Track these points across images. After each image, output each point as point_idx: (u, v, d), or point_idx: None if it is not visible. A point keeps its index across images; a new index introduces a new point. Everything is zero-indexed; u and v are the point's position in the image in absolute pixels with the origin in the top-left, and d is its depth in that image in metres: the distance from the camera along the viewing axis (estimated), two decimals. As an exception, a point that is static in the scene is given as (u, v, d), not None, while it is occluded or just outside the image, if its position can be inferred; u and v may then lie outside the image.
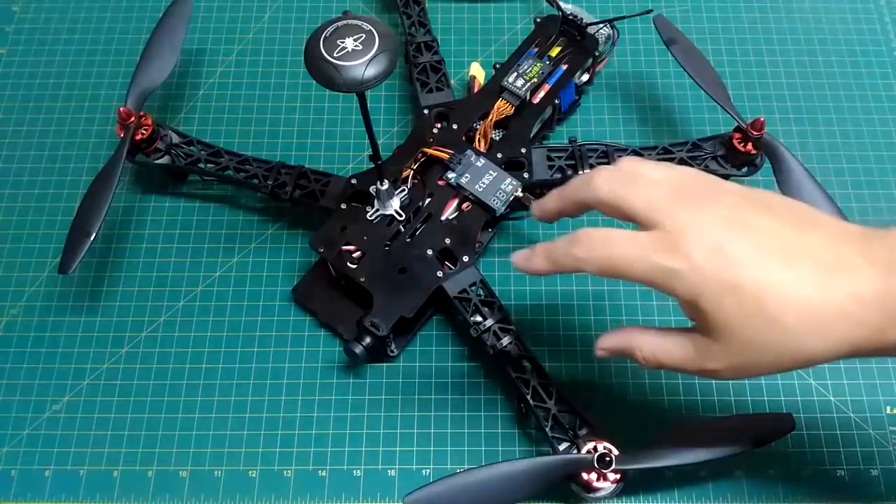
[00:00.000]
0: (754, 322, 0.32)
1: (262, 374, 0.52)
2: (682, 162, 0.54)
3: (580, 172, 0.53)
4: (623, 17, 0.59)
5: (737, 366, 0.34)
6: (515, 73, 0.55)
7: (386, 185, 0.50)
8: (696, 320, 0.35)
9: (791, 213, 0.35)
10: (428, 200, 0.52)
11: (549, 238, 0.56)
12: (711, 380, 0.41)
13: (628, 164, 0.38)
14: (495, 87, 0.56)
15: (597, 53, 0.58)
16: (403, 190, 0.52)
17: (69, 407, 0.51)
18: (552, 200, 0.40)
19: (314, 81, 0.38)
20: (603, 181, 0.37)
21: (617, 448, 0.45)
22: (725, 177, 0.55)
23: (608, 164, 0.53)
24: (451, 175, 0.52)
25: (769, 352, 0.33)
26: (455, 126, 0.55)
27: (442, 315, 0.54)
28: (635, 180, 0.36)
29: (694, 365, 0.35)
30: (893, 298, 0.31)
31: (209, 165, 0.55)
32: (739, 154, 0.53)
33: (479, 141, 0.54)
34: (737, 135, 0.53)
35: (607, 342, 0.39)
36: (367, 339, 0.48)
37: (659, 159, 0.54)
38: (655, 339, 0.37)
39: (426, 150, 0.53)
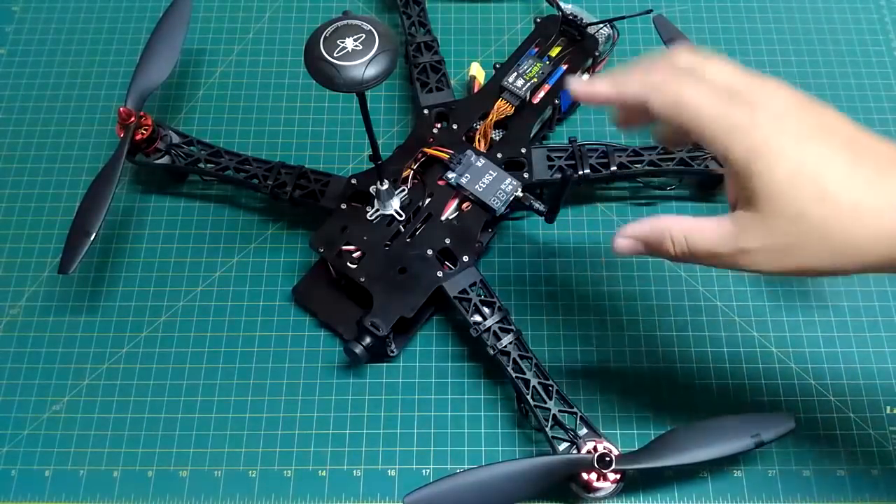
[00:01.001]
0: (807, 193, 0.32)
1: (262, 374, 0.52)
2: (681, 162, 0.54)
3: (580, 172, 0.53)
4: (623, 17, 0.59)
5: (778, 247, 0.32)
6: (515, 73, 0.55)
7: (386, 185, 0.50)
8: (744, 188, 0.33)
9: (856, 124, 0.34)
10: (428, 200, 0.52)
11: (549, 240, 0.56)
12: (746, 271, 0.37)
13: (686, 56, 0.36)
14: (495, 87, 0.56)
15: (597, 53, 0.58)
16: (403, 190, 0.52)
17: (69, 407, 0.51)
18: (603, 85, 0.37)
19: (314, 81, 0.38)
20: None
21: (617, 448, 0.46)
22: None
23: (608, 164, 0.54)
24: (451, 175, 0.52)
25: (815, 232, 0.32)
26: (455, 126, 0.55)
27: (442, 315, 0.54)
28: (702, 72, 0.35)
29: (729, 246, 0.33)
30: None
31: (209, 165, 0.55)
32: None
33: (479, 141, 0.54)
34: (737, 135, 0.53)
35: (633, 230, 0.37)
36: (367, 339, 0.48)
37: (659, 160, 0.54)
38: (689, 221, 0.35)
39: (426, 150, 0.53)
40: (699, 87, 0.34)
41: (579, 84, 0.38)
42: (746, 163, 0.32)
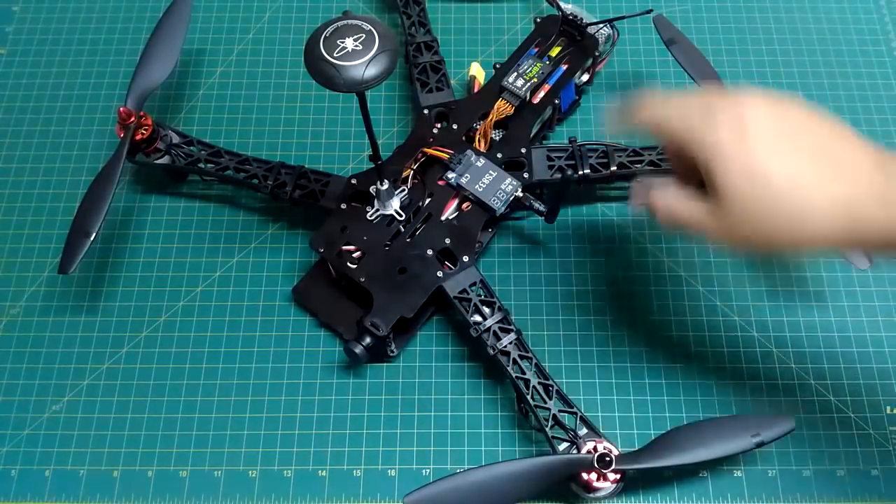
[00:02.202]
0: (755, 191, 0.37)
1: (262, 374, 0.52)
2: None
3: (580, 172, 0.53)
4: (623, 17, 0.59)
5: (733, 227, 0.39)
6: (515, 73, 0.55)
7: (386, 185, 0.50)
8: (709, 181, 0.39)
9: (824, 121, 0.39)
10: (428, 200, 0.52)
11: (549, 240, 0.56)
12: (708, 239, 0.45)
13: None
14: (495, 87, 0.56)
15: (597, 53, 0.58)
16: (403, 190, 0.52)
17: (69, 407, 0.51)
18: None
19: (314, 81, 0.38)
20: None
21: (617, 448, 0.46)
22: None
23: (608, 164, 0.54)
24: (451, 175, 0.52)
25: (764, 214, 0.37)
26: (455, 126, 0.55)
27: (442, 315, 0.54)
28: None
29: (698, 222, 0.40)
30: (892, 195, 0.36)
31: (209, 165, 0.55)
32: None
33: (479, 141, 0.54)
34: (737, 135, 0.53)
35: (640, 197, 0.44)
36: (367, 339, 0.48)
37: (659, 160, 0.54)
38: (675, 195, 0.42)
39: (426, 150, 0.53)
40: (677, 109, 0.40)
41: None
42: (706, 162, 0.38)
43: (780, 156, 0.37)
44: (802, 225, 0.37)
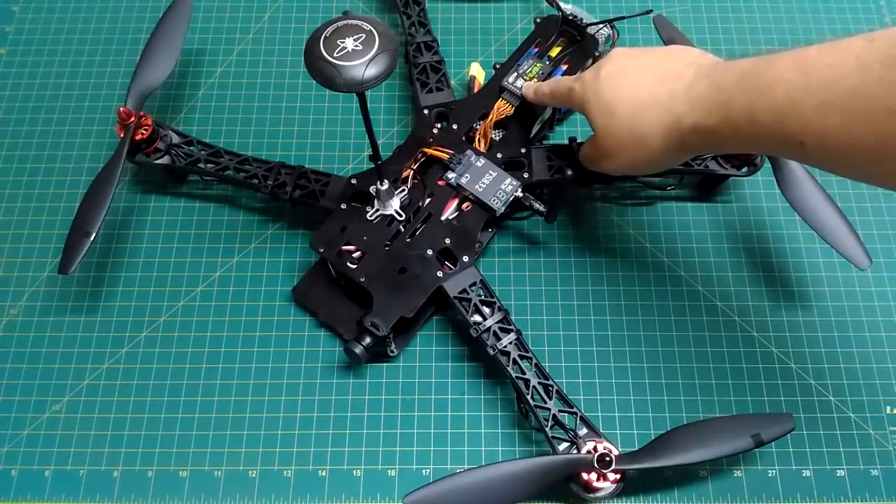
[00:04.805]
0: (605, 114, 0.45)
1: (262, 374, 0.52)
2: (682, 162, 0.54)
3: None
4: (623, 17, 0.59)
5: (601, 153, 0.47)
6: (515, 73, 0.55)
7: (386, 185, 0.50)
8: (589, 123, 0.47)
9: (668, 47, 0.46)
10: (428, 200, 0.52)
11: (549, 240, 0.56)
12: (592, 164, 0.51)
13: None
14: (495, 87, 0.56)
15: (597, 53, 0.58)
16: (403, 190, 0.52)
17: (69, 407, 0.51)
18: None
19: (314, 81, 0.38)
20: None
21: (617, 448, 0.46)
22: (725, 177, 0.55)
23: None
24: (451, 175, 0.52)
25: (613, 135, 0.45)
26: (455, 126, 0.55)
27: (442, 315, 0.54)
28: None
29: (585, 149, 0.50)
30: (694, 92, 0.41)
31: (209, 165, 0.55)
32: (740, 154, 0.53)
33: (479, 141, 0.54)
34: (737, 135, 0.53)
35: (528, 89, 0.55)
36: (367, 339, 0.48)
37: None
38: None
39: (426, 150, 0.53)
40: (561, 80, 0.51)
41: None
42: (580, 109, 0.48)
43: (621, 81, 0.44)
44: (636, 129, 0.43)
